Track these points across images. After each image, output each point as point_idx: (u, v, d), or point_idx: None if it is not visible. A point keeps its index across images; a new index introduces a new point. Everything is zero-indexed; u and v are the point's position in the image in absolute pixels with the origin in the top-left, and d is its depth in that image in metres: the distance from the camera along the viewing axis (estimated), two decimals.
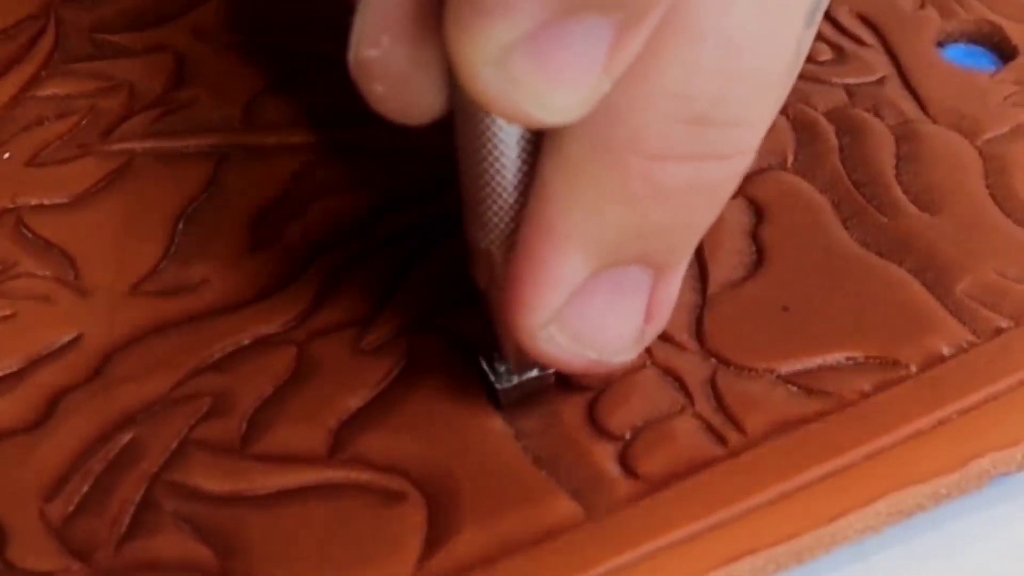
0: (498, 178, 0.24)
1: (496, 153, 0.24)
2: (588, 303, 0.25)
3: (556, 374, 0.28)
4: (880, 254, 0.31)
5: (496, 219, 0.25)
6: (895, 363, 0.29)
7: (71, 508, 0.27)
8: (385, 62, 0.24)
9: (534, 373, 0.28)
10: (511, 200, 0.25)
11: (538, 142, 0.24)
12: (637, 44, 0.22)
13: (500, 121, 0.24)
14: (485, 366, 0.28)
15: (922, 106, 0.34)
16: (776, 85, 0.24)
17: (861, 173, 0.32)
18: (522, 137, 0.24)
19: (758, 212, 0.32)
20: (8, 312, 0.30)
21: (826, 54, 0.35)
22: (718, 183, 0.25)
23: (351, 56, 0.24)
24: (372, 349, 0.29)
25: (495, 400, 0.28)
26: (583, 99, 0.22)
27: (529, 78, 0.22)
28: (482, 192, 0.25)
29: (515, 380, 0.28)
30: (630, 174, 0.23)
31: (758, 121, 0.24)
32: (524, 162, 0.24)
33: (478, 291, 0.27)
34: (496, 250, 0.26)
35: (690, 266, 0.31)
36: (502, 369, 0.28)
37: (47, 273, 0.31)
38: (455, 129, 0.25)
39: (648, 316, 0.26)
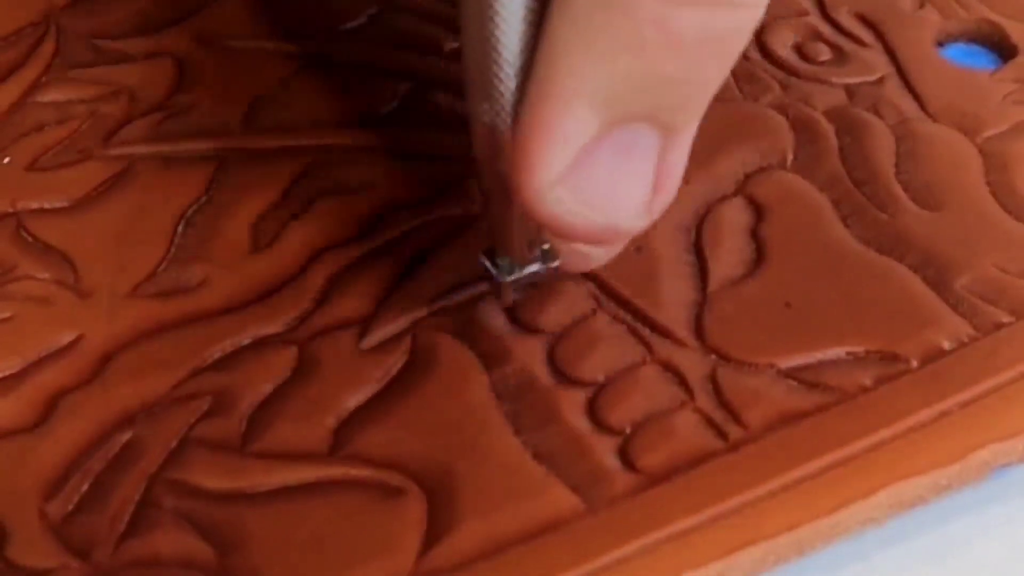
0: (504, 41, 0.24)
1: (502, 15, 0.24)
2: (596, 163, 0.25)
3: (548, 346, 0.28)
4: (880, 251, 0.31)
5: (501, 87, 0.25)
6: (896, 357, 0.29)
7: (71, 507, 0.27)
8: None
9: (536, 267, 0.28)
10: (517, 67, 0.24)
11: (543, 5, 0.24)
12: None
13: None
14: (487, 262, 0.28)
15: (922, 105, 0.34)
16: None
17: (861, 172, 0.32)
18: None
19: (758, 211, 0.32)
20: (8, 314, 0.30)
21: (826, 54, 0.35)
22: (729, 35, 0.24)
23: None
24: (372, 348, 0.29)
25: (499, 296, 0.28)
26: None
27: None
28: (487, 59, 0.24)
29: (517, 273, 0.28)
30: (642, 19, 0.23)
31: None
32: (531, 24, 0.24)
33: (480, 174, 0.27)
34: (501, 122, 0.25)
35: (690, 264, 0.31)
36: (504, 263, 0.28)
37: (47, 276, 0.31)
38: (461, 3, 0.25)
39: (657, 184, 0.26)
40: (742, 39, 0.25)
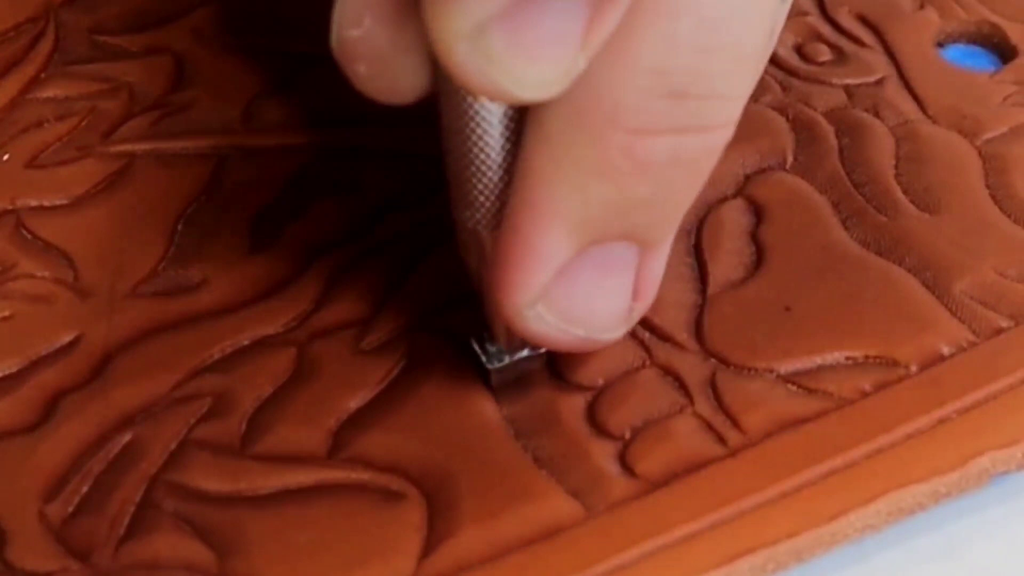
0: (483, 156, 0.25)
1: (480, 131, 0.24)
2: (574, 281, 0.25)
3: (548, 355, 0.28)
4: (880, 254, 0.31)
5: (482, 198, 0.25)
6: (895, 362, 0.29)
7: (70, 509, 0.27)
8: (367, 42, 0.24)
9: (524, 353, 0.28)
10: (496, 178, 0.25)
11: (521, 120, 0.24)
12: (613, 20, 0.22)
13: (483, 99, 0.24)
14: (476, 347, 0.28)
15: (922, 106, 0.34)
16: (752, 59, 0.25)
17: (861, 173, 0.32)
18: (505, 115, 0.24)
19: (758, 212, 0.32)
20: (7, 313, 0.30)
21: (826, 55, 0.35)
22: (699, 156, 0.25)
23: (333, 37, 0.25)
24: (372, 349, 0.29)
25: (487, 381, 0.28)
26: (560, 76, 0.22)
27: (504, 55, 0.22)
28: (467, 171, 0.25)
29: (506, 360, 0.28)
30: (611, 149, 0.24)
31: (736, 94, 0.25)
32: (508, 140, 0.24)
33: (468, 272, 0.27)
34: (483, 230, 0.26)
35: (690, 266, 0.31)
36: (493, 350, 0.28)
37: (46, 274, 0.31)
38: (439, 108, 0.25)
39: (636, 293, 0.26)
40: (713, 157, 0.25)
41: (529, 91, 0.22)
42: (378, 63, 0.24)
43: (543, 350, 0.28)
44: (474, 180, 0.25)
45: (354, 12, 0.24)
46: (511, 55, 0.22)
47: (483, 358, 0.28)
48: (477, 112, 0.24)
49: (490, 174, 0.25)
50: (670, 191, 0.25)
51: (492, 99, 0.23)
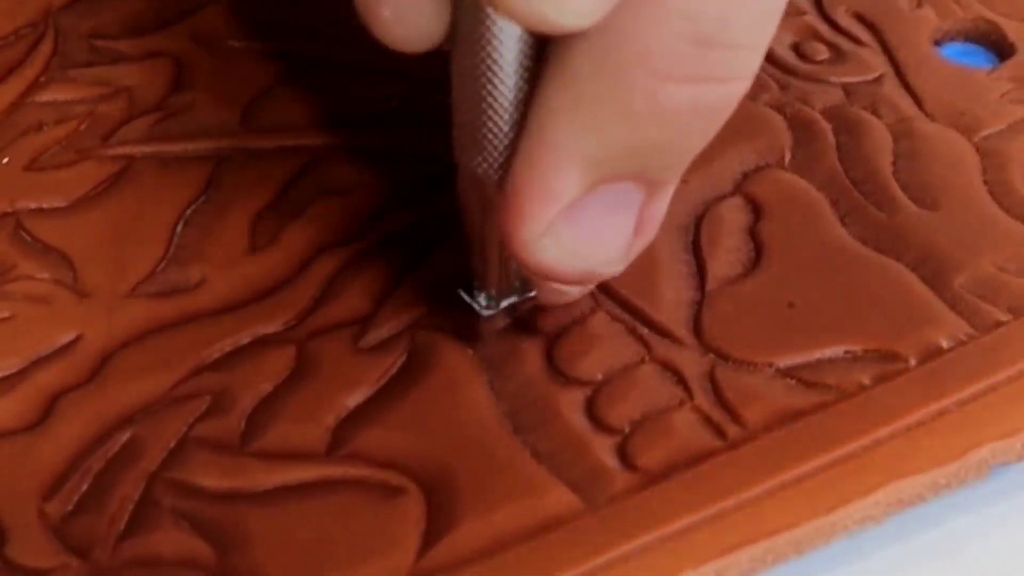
0: (499, 98, 0.25)
1: (497, 72, 0.25)
2: (582, 217, 0.26)
3: (547, 350, 0.29)
4: (878, 250, 0.31)
5: (495, 141, 0.26)
6: (894, 356, 0.29)
7: (70, 506, 0.27)
8: None
9: (515, 298, 0.29)
10: (510, 121, 0.25)
11: (536, 65, 0.25)
12: None
13: (502, 39, 0.24)
14: (468, 299, 0.29)
15: (919, 104, 0.34)
16: (775, 12, 0.25)
17: (859, 171, 0.32)
18: (523, 55, 0.25)
19: (756, 210, 0.32)
20: (7, 314, 0.30)
21: (823, 53, 0.35)
22: (716, 106, 0.25)
23: None
24: (370, 348, 0.30)
25: (478, 332, 0.29)
26: (599, 3, 0.23)
27: None
28: (481, 114, 0.25)
29: (498, 307, 0.29)
30: (634, 91, 0.24)
31: (757, 45, 0.25)
32: (525, 81, 0.25)
33: (463, 220, 0.28)
34: (491, 173, 0.26)
35: (688, 263, 0.31)
36: (483, 300, 0.29)
37: (46, 275, 0.31)
38: (453, 55, 0.25)
39: (638, 229, 0.27)
40: (731, 107, 0.26)
41: (571, 18, 0.23)
42: (401, 5, 0.25)
43: (532, 293, 0.29)
44: (487, 122, 0.25)
45: None
46: None
47: (477, 307, 0.29)
48: (495, 49, 0.24)
49: (505, 115, 0.25)
50: (685, 137, 0.26)
51: (532, 28, 0.24)
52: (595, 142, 0.25)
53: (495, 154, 0.26)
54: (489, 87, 0.25)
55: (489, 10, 0.24)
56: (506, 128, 0.25)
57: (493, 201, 0.26)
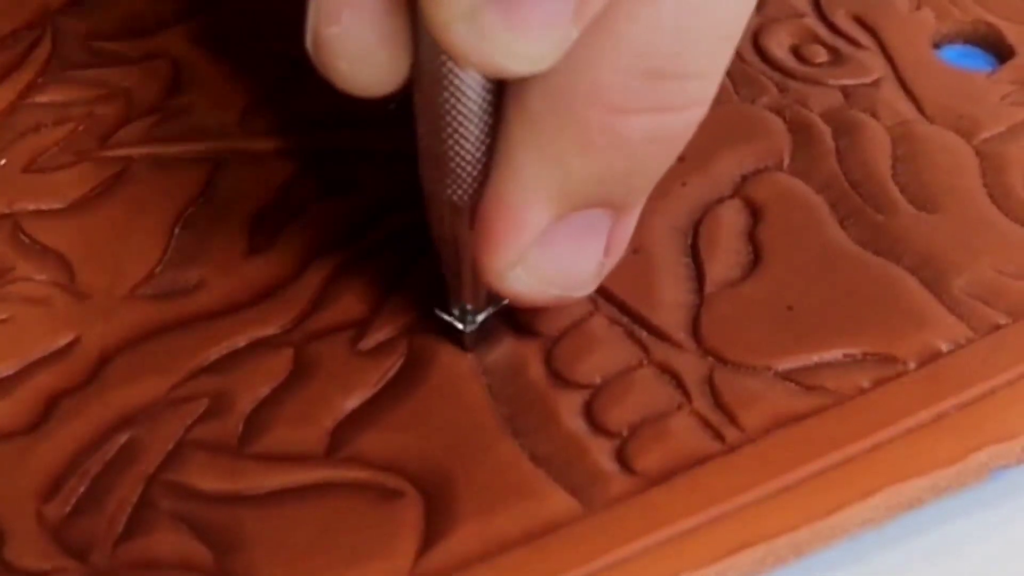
0: (464, 133, 0.25)
1: (461, 107, 0.25)
2: (553, 245, 0.26)
3: (546, 354, 0.29)
4: (877, 252, 0.31)
5: (461, 171, 0.26)
6: (893, 359, 0.29)
7: (68, 509, 0.27)
8: (346, 38, 0.25)
9: (490, 309, 0.29)
10: (477, 152, 0.26)
11: (499, 98, 0.25)
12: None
13: (463, 78, 0.25)
14: (446, 317, 0.29)
15: (919, 107, 0.34)
16: (729, 39, 0.25)
17: (858, 173, 0.32)
18: (485, 91, 0.25)
19: (755, 213, 0.32)
20: (5, 316, 0.30)
21: (822, 56, 0.35)
22: (675, 132, 0.26)
23: (309, 37, 0.25)
24: (369, 350, 0.30)
25: (461, 343, 0.29)
26: (552, 49, 0.23)
27: (499, 30, 0.23)
28: (447, 147, 0.26)
29: (475, 322, 0.29)
30: (591, 126, 0.25)
31: (712, 73, 0.25)
32: (488, 114, 0.25)
33: (436, 242, 0.28)
34: (461, 200, 0.26)
35: (687, 266, 0.31)
36: (460, 316, 0.29)
37: (44, 277, 0.31)
38: (416, 90, 0.26)
39: (607, 251, 0.27)
40: (689, 132, 0.26)
41: (522, 64, 0.23)
42: (359, 58, 0.25)
43: (506, 301, 0.29)
44: (453, 155, 0.26)
45: (331, 10, 0.24)
46: (505, 30, 0.23)
47: (457, 324, 0.29)
48: (458, 88, 0.25)
49: (470, 148, 0.26)
50: (646, 164, 0.26)
51: (486, 74, 0.24)
52: (559, 174, 0.25)
53: (465, 182, 0.26)
54: (455, 124, 0.25)
55: (444, 57, 0.24)
56: (472, 159, 0.26)
57: (464, 223, 0.27)
